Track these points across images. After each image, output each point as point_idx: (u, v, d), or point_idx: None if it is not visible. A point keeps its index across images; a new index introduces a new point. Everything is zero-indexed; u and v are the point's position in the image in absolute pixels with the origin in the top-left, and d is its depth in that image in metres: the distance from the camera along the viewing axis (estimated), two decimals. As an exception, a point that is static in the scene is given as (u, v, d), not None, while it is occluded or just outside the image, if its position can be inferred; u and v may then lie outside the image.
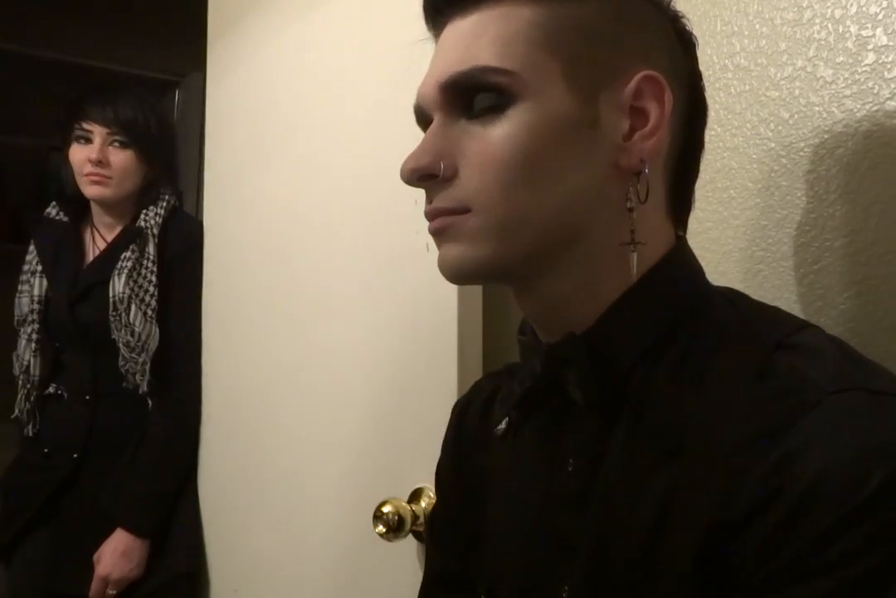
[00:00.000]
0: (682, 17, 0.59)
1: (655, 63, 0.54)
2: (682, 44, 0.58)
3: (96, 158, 1.55)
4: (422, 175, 0.54)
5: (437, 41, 0.59)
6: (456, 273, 0.55)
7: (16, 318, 1.63)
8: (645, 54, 0.54)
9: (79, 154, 1.58)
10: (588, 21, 0.53)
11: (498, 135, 0.52)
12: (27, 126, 2.50)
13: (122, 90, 1.65)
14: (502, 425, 0.62)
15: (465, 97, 0.54)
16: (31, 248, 1.65)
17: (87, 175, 1.57)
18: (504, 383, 0.67)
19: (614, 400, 0.53)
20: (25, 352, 1.58)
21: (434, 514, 0.77)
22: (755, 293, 0.60)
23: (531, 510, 0.58)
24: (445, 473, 0.74)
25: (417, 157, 0.54)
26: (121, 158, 1.58)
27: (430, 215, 0.55)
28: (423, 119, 0.58)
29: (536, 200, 0.52)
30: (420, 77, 0.58)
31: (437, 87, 0.55)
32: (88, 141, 1.58)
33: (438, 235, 0.55)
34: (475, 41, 0.53)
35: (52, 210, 1.67)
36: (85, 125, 1.57)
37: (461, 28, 0.55)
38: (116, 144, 1.58)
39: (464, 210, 0.53)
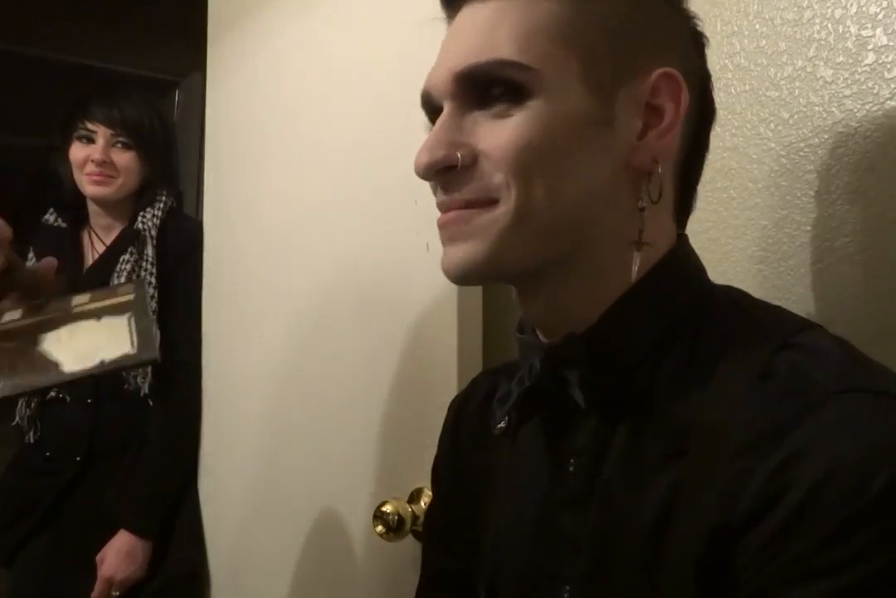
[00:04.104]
0: (695, 17, 0.58)
1: (672, 62, 0.54)
2: (694, 44, 0.58)
3: (100, 159, 1.56)
4: (440, 168, 0.53)
5: (450, 23, 0.57)
6: (460, 274, 0.54)
7: None
8: (663, 53, 0.54)
9: (80, 153, 1.58)
10: (611, 17, 0.53)
11: (512, 129, 0.51)
12: (27, 126, 2.50)
13: (127, 91, 1.65)
14: (502, 425, 0.62)
15: (480, 89, 0.53)
16: (31, 254, 1.65)
17: (88, 174, 1.57)
18: (502, 382, 0.67)
19: (616, 400, 0.53)
20: None
21: (431, 512, 0.76)
22: (755, 293, 0.59)
23: (532, 510, 0.58)
24: (443, 470, 0.73)
25: (432, 149, 0.53)
26: (124, 158, 1.59)
27: (447, 206, 0.54)
28: (431, 105, 0.56)
29: (548, 198, 0.51)
30: (421, 74, 0.57)
31: (451, 77, 0.53)
32: (91, 141, 1.58)
33: (445, 228, 0.54)
34: (495, 31, 0.52)
35: (49, 217, 1.67)
36: (89, 125, 1.58)
37: (480, 14, 0.53)
38: (119, 145, 1.59)
39: (489, 202, 0.52)
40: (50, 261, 0.73)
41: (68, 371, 0.65)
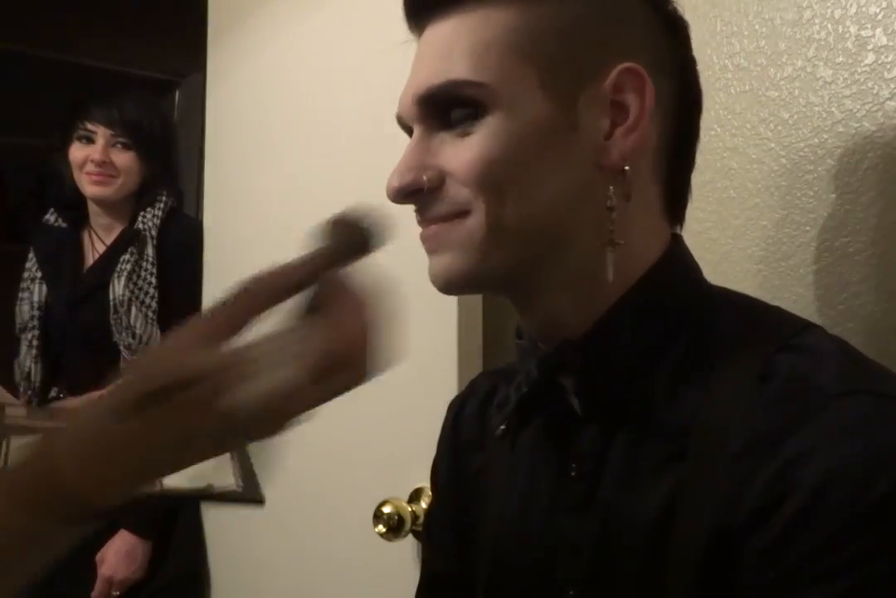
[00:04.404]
0: (670, 3, 0.57)
1: (637, 56, 0.53)
2: (668, 31, 0.56)
3: (100, 159, 1.56)
4: (409, 192, 0.54)
5: (419, 44, 0.58)
6: (445, 283, 0.54)
7: (17, 325, 1.63)
8: (626, 49, 0.53)
9: (80, 153, 1.58)
10: (567, 22, 0.52)
11: (473, 147, 0.52)
12: (27, 126, 2.50)
13: (126, 91, 1.66)
14: (501, 428, 0.62)
15: (441, 110, 0.53)
16: (31, 255, 1.66)
17: (88, 174, 1.57)
18: (501, 385, 0.67)
19: (614, 405, 0.53)
20: (26, 359, 1.59)
21: (430, 513, 0.76)
22: (755, 294, 0.59)
23: (535, 514, 0.58)
24: (441, 472, 0.73)
25: (401, 174, 0.54)
26: (124, 158, 1.59)
27: (425, 223, 0.55)
28: (406, 128, 0.58)
29: (518, 208, 0.52)
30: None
31: (413, 101, 0.54)
32: (90, 141, 1.59)
33: (427, 242, 0.55)
34: (450, 51, 0.53)
35: (50, 217, 1.68)
36: (89, 125, 1.58)
37: (439, 34, 0.54)
38: (119, 145, 1.59)
39: (461, 213, 0.53)
40: None
41: (185, 486, 0.66)
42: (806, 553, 0.41)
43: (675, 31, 0.57)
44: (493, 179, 0.51)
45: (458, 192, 0.53)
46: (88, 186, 1.59)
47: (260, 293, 0.44)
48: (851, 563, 0.40)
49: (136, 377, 0.41)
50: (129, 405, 0.39)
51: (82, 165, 1.58)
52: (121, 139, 1.59)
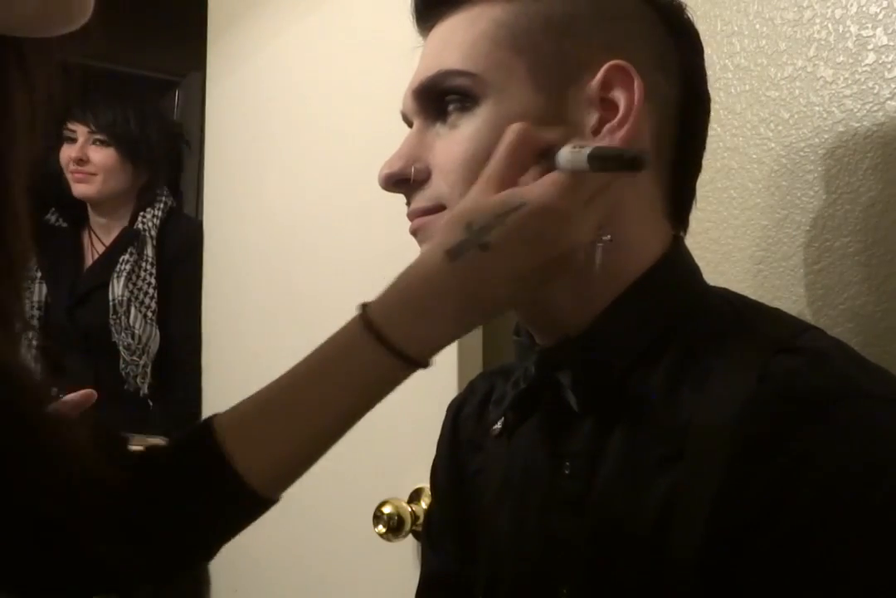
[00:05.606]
0: (679, 9, 0.57)
1: (630, 55, 0.52)
2: (674, 36, 0.56)
3: (76, 156, 1.59)
4: (397, 180, 0.55)
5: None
6: None
7: None
8: (618, 47, 0.53)
9: (64, 153, 1.61)
10: (559, 17, 0.53)
11: (461, 134, 0.53)
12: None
13: (107, 90, 1.67)
14: (498, 426, 0.62)
15: (436, 102, 0.55)
16: None
17: (71, 173, 1.59)
18: (498, 384, 0.67)
19: (610, 404, 0.53)
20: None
21: (430, 514, 0.76)
22: (755, 294, 0.59)
23: (530, 511, 0.58)
24: (441, 473, 0.73)
25: (391, 163, 0.55)
26: (101, 155, 1.60)
27: (410, 217, 0.57)
28: (409, 124, 0.59)
29: None
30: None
31: (411, 95, 0.56)
32: (74, 141, 1.60)
33: (416, 235, 0.57)
34: (445, 46, 0.54)
35: (51, 217, 1.69)
36: (70, 125, 1.60)
37: (438, 32, 0.56)
38: (97, 143, 1.61)
39: (438, 208, 0.54)
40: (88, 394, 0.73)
41: None
42: (806, 557, 0.41)
43: (682, 37, 0.56)
44: (473, 175, 0.51)
45: (439, 186, 0.54)
46: (74, 186, 1.60)
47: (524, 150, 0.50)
48: (853, 568, 0.40)
49: (456, 225, 0.49)
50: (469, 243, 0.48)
51: (67, 166, 1.60)
52: (97, 136, 1.61)
